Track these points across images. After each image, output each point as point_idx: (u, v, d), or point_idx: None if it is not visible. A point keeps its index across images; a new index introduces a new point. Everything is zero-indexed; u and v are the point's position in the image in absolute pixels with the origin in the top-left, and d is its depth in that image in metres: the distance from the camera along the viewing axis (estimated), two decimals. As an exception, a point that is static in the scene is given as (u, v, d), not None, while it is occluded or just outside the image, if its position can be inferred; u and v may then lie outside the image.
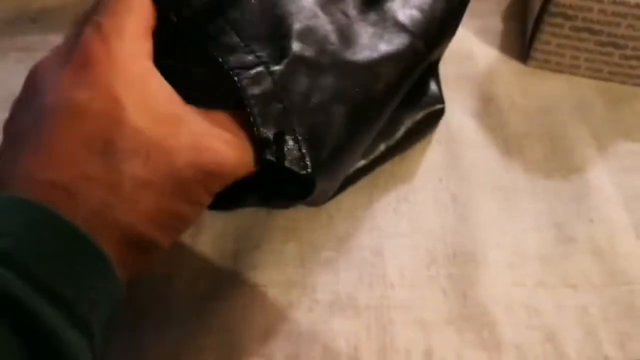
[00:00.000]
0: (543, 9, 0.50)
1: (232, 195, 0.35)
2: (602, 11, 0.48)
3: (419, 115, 0.46)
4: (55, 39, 0.53)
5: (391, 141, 0.44)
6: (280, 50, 0.35)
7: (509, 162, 0.48)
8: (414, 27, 0.39)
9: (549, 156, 0.48)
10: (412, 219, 0.44)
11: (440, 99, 0.47)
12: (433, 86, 0.47)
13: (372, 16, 0.39)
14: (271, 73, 0.34)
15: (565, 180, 0.47)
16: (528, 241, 0.44)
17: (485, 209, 0.45)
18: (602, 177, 0.47)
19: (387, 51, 0.38)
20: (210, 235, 0.43)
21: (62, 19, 0.56)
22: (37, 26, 0.55)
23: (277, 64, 0.34)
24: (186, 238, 0.43)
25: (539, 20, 0.51)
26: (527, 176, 0.47)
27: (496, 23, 0.57)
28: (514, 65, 0.54)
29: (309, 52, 0.35)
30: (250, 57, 0.34)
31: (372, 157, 0.44)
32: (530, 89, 0.52)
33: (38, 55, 0.52)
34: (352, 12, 0.39)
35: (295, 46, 0.35)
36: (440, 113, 0.47)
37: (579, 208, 0.45)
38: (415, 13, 0.40)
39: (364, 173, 0.44)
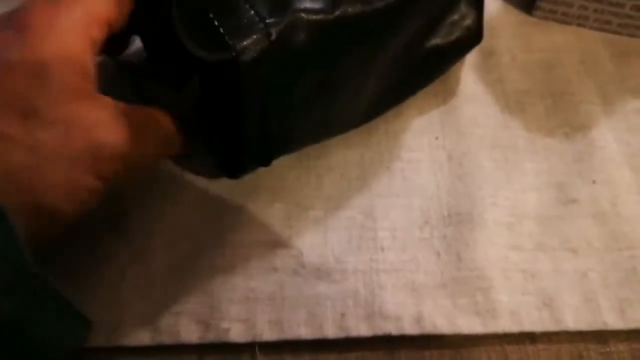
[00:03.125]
0: (550, -45, 0.47)
1: None
2: (613, -43, 0.45)
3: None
4: None
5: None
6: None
7: (508, 119, 0.45)
8: None
9: (551, 113, 0.46)
10: (405, 178, 0.42)
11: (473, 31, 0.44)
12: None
13: None
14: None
15: (568, 139, 0.44)
16: (527, 202, 0.42)
17: (483, 168, 0.43)
18: (607, 136, 0.45)
19: None
20: (192, 194, 0.41)
21: None
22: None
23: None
24: (167, 196, 0.41)
25: (546, -33, 0.48)
26: (528, 134, 0.45)
27: (500, -30, 0.54)
28: (518, 15, 0.51)
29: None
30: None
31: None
32: (534, 41, 0.49)
33: None
34: None
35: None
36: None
37: (582, 168, 0.43)
38: None
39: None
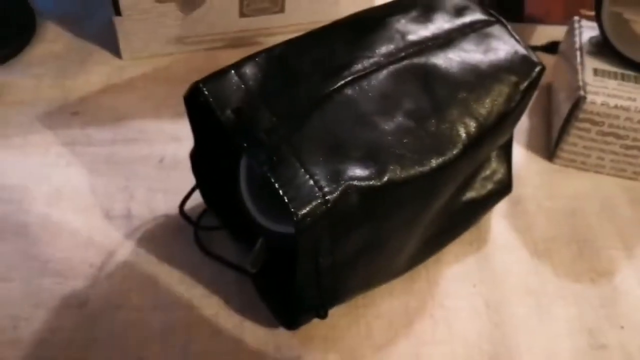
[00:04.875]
0: (571, 114, 0.52)
1: None
2: (628, 119, 0.50)
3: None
4: (96, 134, 0.55)
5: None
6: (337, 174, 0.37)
7: (538, 265, 0.49)
8: (468, 139, 0.41)
9: (577, 259, 0.50)
10: (448, 326, 0.45)
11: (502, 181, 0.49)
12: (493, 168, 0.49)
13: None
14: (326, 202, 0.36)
15: (594, 284, 0.48)
16: (561, 348, 0.45)
17: (518, 315, 0.46)
18: (630, 279, 0.49)
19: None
20: (252, 342, 0.44)
21: (101, 111, 0.58)
22: (78, 119, 0.57)
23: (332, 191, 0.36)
24: (228, 344, 0.44)
25: (566, 123, 0.53)
26: (557, 280, 0.48)
27: (523, 119, 0.59)
28: (540, 163, 0.56)
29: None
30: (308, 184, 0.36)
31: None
32: (557, 188, 0.54)
33: (78, 150, 0.54)
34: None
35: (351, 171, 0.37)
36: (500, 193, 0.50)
37: (609, 313, 0.47)
38: (473, 124, 0.41)
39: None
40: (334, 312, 0.45)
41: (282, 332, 0.44)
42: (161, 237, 0.49)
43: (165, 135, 0.56)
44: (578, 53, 0.54)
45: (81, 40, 0.64)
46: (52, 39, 0.64)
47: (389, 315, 0.46)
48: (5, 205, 0.51)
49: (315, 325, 0.45)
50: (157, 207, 0.51)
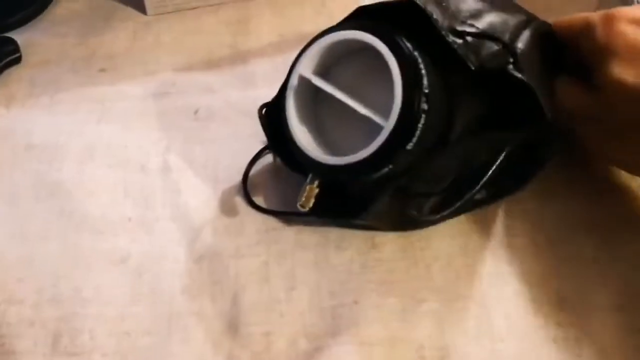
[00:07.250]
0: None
1: None
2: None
3: None
4: (126, 89, 0.53)
5: None
6: None
7: (600, 200, 0.46)
8: None
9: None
10: (511, 264, 0.42)
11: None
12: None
13: None
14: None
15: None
16: (634, 281, 0.42)
17: (583, 252, 0.43)
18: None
19: None
20: (304, 290, 0.41)
21: (130, 67, 0.55)
22: (106, 76, 0.55)
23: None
24: (280, 293, 0.41)
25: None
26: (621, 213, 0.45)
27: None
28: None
29: None
30: None
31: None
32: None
33: (109, 106, 0.52)
34: None
35: None
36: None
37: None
38: None
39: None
40: (391, 255, 0.43)
41: (335, 277, 0.42)
42: (201, 189, 0.47)
43: (197, 87, 0.54)
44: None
45: (103, -1, 0.62)
46: (74, -1, 0.62)
47: (448, 256, 0.43)
48: (36, 164, 0.49)
49: (372, 270, 0.42)
50: (195, 158, 0.49)
